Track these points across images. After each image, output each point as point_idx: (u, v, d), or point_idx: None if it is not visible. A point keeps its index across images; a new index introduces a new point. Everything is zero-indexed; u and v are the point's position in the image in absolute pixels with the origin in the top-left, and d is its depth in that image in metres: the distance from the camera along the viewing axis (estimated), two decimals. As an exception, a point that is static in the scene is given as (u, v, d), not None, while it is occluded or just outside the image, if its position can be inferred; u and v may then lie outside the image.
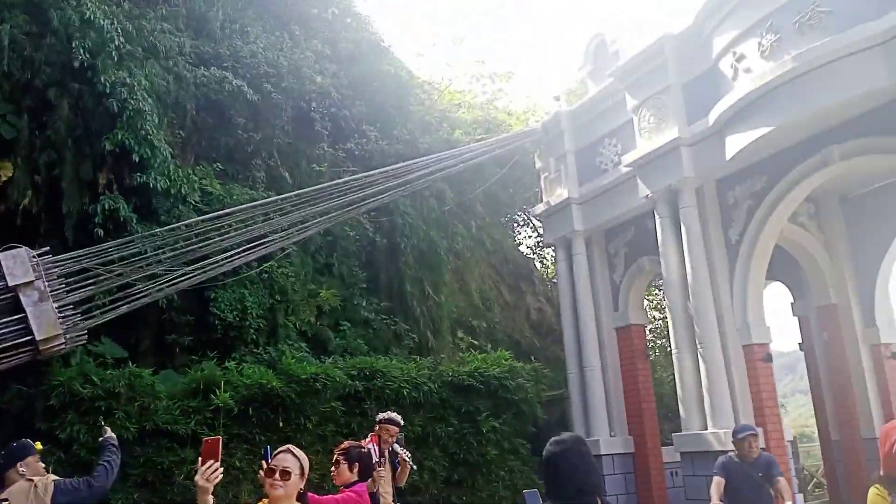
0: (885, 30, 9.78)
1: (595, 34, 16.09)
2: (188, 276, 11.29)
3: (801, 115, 10.94)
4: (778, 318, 16.56)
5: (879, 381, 14.08)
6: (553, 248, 17.28)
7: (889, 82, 9.91)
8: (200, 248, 11.56)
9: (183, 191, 12.76)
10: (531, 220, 22.03)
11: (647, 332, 17.49)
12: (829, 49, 10.27)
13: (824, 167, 11.75)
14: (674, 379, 13.86)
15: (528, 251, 22.99)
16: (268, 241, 12.26)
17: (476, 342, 17.15)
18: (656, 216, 13.74)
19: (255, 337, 13.06)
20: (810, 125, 11.26)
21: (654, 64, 13.58)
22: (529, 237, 23.24)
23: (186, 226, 11.93)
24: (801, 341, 15.65)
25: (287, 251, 13.81)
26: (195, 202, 13.11)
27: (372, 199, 13.56)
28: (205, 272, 11.46)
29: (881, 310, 14.29)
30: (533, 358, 17.21)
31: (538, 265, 22.61)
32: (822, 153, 11.61)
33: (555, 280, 18.99)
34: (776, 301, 17.04)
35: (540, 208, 16.86)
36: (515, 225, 22.81)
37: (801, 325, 15.60)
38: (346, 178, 13.79)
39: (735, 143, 12.03)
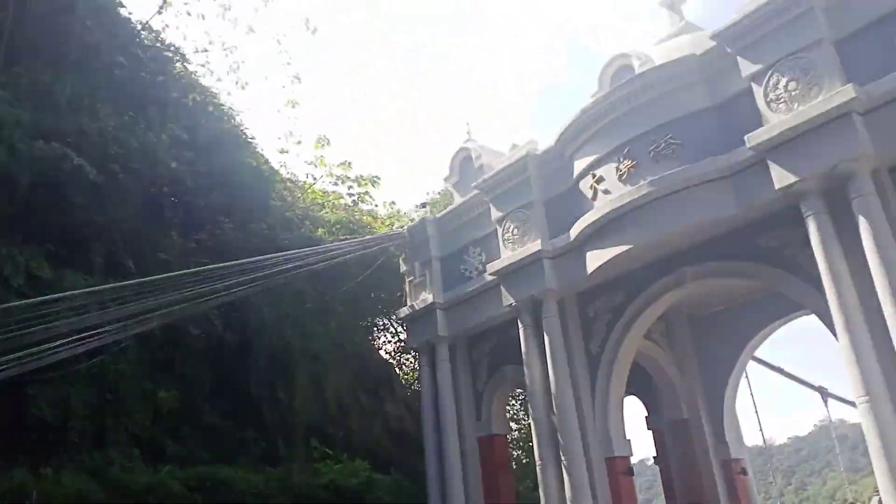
0: (732, 163, 10.54)
1: (461, 147, 16.49)
2: (1, 368, 9.76)
3: (655, 236, 11.44)
4: (633, 431, 16.76)
5: (731, 496, 14.39)
6: (416, 353, 16.83)
7: (736, 211, 10.59)
8: (21, 335, 10.08)
9: (5, 272, 11.29)
10: (392, 325, 21.57)
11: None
12: (681, 177, 10.93)
13: (678, 286, 12.28)
14: (534, 491, 13.48)
15: (389, 356, 22.38)
16: (101, 333, 10.95)
17: (331, 451, 16.06)
18: (520, 325, 13.73)
19: (78, 440, 11.49)
20: (665, 246, 11.78)
21: (518, 180, 13.96)
22: (390, 342, 22.70)
23: (5, 311, 10.42)
24: (655, 455, 15.87)
25: (123, 345, 12.42)
26: (18, 285, 11.61)
27: (224, 293, 12.60)
28: (22, 364, 9.97)
29: (730, 427, 14.82)
30: (392, 468, 16.34)
31: (398, 371, 21.99)
32: (676, 273, 12.13)
33: (416, 387, 18.44)
34: (631, 414, 17.40)
35: (404, 312, 16.48)
36: (376, 329, 22.25)
37: (655, 439, 15.86)
38: (196, 269, 12.79)
39: (595, 259, 12.37)
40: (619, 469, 12.72)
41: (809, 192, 9.69)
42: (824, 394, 28.11)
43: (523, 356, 13.60)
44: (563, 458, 12.57)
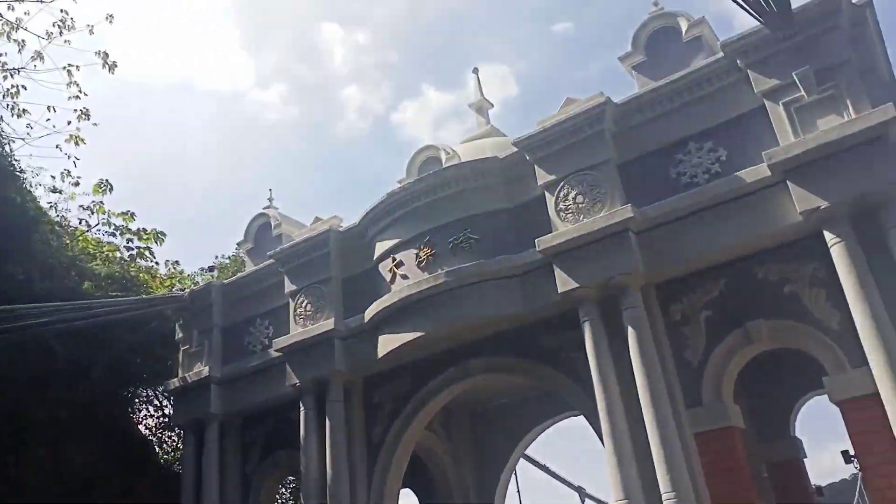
0: (523, 263, 11.04)
1: (260, 213, 15.92)
2: None
3: (447, 326, 11.55)
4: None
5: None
6: (181, 430, 15.38)
7: (522, 309, 11.03)
8: None
9: None
10: (158, 398, 19.63)
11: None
12: (476, 271, 11.25)
13: (464, 379, 12.39)
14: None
15: (149, 432, 20.23)
16: None
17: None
18: (301, 407, 13.08)
19: None
20: (455, 337, 11.92)
21: (317, 254, 13.63)
22: (152, 416, 20.57)
23: None
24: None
25: None
26: None
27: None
28: None
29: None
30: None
31: (159, 449, 19.90)
32: (463, 365, 12.27)
33: (177, 468, 16.74)
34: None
35: (174, 383, 15.07)
36: (138, 400, 20.09)
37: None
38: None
39: (387, 343, 12.22)
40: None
41: (587, 299, 10.34)
42: (582, 494, 29.97)
43: (301, 441, 12.91)
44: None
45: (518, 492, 19.06)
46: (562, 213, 10.72)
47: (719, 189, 9.59)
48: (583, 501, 29.23)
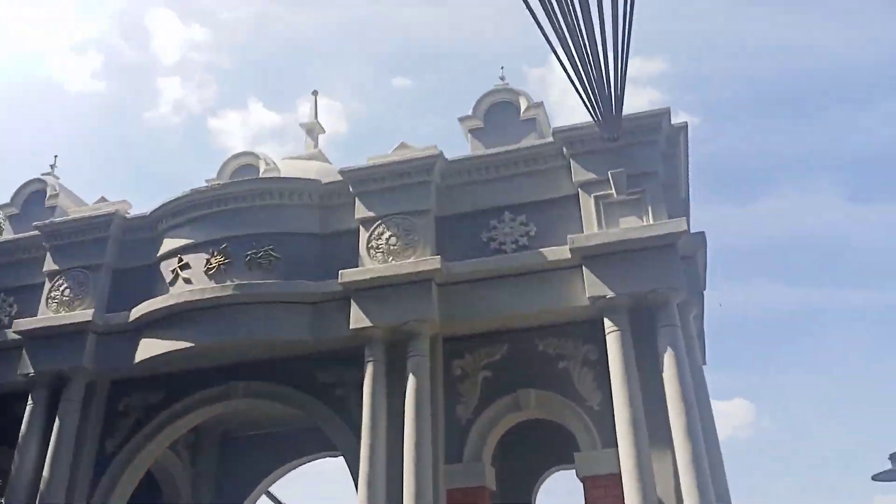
0: (321, 293, 10.76)
1: (36, 179, 14.16)
2: None
3: (224, 341, 10.84)
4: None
5: None
6: None
7: (310, 338, 10.68)
8: None
9: None
10: None
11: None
12: (269, 290, 10.78)
13: (224, 400, 11.63)
14: None
15: None
16: None
17: None
18: (30, 401, 11.49)
19: None
20: (227, 354, 11.21)
21: (94, 236, 12.35)
22: None
23: None
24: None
25: None
26: None
27: None
28: None
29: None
30: None
31: None
32: (227, 386, 11.53)
33: None
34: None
35: None
36: None
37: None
38: None
39: (149, 348, 11.21)
40: None
41: (376, 339, 10.29)
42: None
43: (20, 437, 11.29)
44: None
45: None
46: (372, 251, 10.70)
47: (523, 260, 10.15)
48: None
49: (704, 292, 11.20)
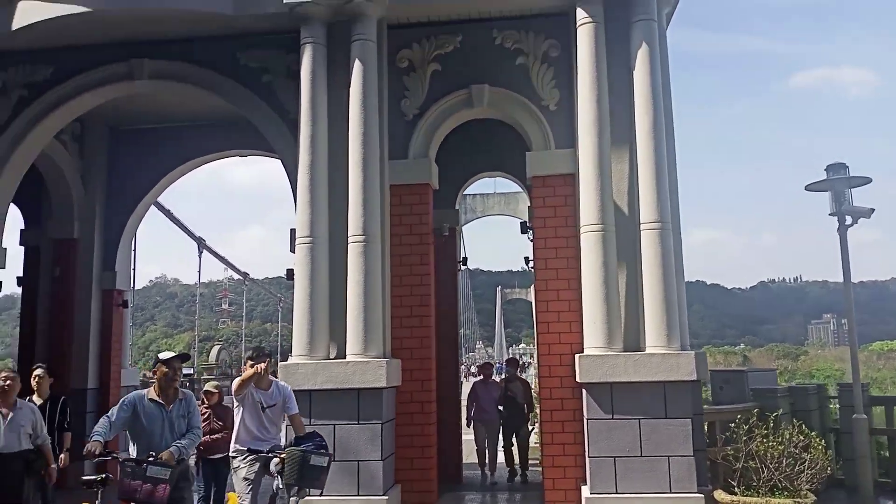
0: (246, -46, 9.06)
1: None
2: None
3: (129, 8, 9.17)
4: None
5: (104, 326, 13.01)
6: None
7: (234, 12, 9.18)
8: None
9: None
10: None
11: None
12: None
13: (126, 80, 10.14)
14: None
15: None
16: None
17: None
18: None
19: None
20: (132, 27, 9.57)
21: None
22: None
23: None
24: (21, 276, 13.26)
25: None
26: None
27: None
28: None
29: (122, 257, 13.34)
30: None
31: None
32: (130, 63, 10.01)
33: None
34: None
35: None
36: None
37: (26, 258, 13.24)
38: None
39: (29, 13, 9.32)
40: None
41: (316, 17, 9.05)
42: (202, 245, 29.02)
43: None
44: None
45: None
46: None
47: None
48: (201, 252, 28.39)
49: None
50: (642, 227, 8.38)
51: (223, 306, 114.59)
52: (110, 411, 5.78)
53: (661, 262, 8.25)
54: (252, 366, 6.65)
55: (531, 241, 9.58)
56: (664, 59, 8.97)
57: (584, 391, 8.28)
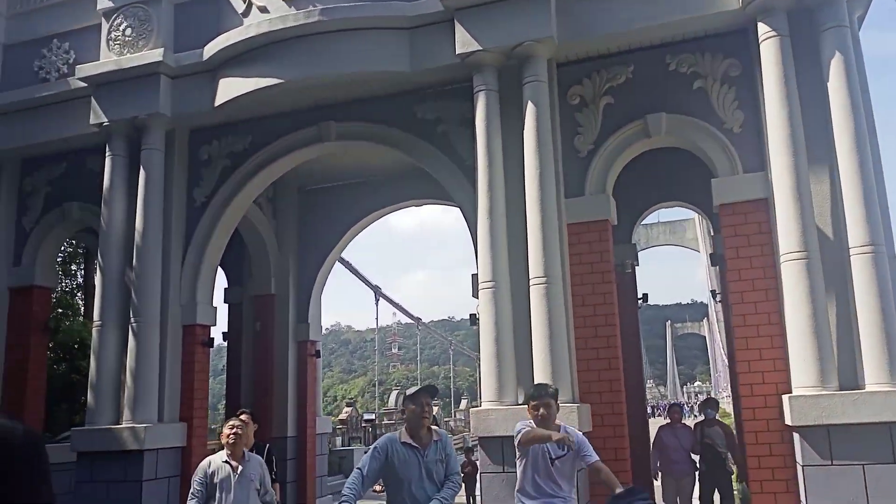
0: (416, 15, 9.51)
1: None
2: None
3: (314, 75, 9.84)
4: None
5: (300, 376, 13.82)
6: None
7: (410, 69, 9.62)
8: None
9: None
10: None
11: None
12: (358, 14, 9.54)
13: (317, 143, 10.89)
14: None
15: None
16: None
17: None
18: (108, 152, 10.83)
19: None
20: (317, 92, 10.28)
21: (146, -34, 10.84)
22: None
23: None
24: (227, 330, 14.48)
25: None
26: None
27: None
28: None
29: (314, 309, 14.19)
30: None
31: None
32: (319, 127, 10.73)
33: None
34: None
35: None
36: None
37: (231, 313, 14.45)
38: None
39: (229, 89, 10.25)
40: (199, 338, 11.04)
41: (486, 65, 9.08)
42: (378, 293, 30.53)
43: (104, 192, 10.81)
44: (132, 319, 10.31)
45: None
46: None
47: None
48: (377, 300, 29.71)
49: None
50: (851, 251, 7.60)
51: (393, 350, 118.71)
52: (361, 461, 5.08)
53: (877, 288, 7.42)
54: (535, 407, 5.44)
55: (721, 273, 8.99)
56: (860, 67, 8.20)
57: (795, 435, 7.54)
